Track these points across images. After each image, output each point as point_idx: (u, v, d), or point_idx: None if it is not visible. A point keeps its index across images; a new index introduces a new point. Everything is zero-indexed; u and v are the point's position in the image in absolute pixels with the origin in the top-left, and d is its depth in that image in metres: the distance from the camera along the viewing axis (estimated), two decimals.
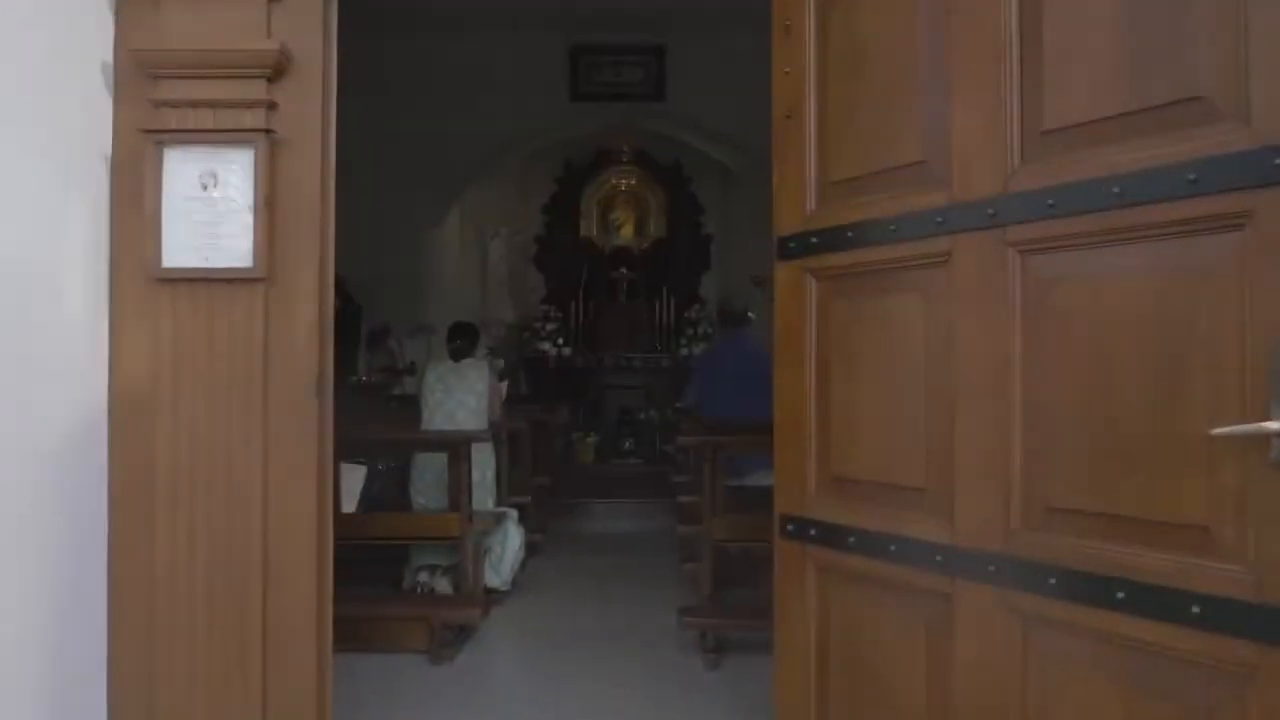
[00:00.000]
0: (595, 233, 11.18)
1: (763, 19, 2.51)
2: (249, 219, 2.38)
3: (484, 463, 4.82)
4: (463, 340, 5.05)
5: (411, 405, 5.21)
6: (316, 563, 2.44)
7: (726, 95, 8.32)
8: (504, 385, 5.55)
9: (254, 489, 2.38)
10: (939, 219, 1.96)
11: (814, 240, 2.32)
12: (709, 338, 10.78)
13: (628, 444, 9.79)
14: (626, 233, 11.25)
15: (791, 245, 2.40)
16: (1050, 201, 1.75)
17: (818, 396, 2.29)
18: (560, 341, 10.71)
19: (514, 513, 4.96)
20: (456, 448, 4.26)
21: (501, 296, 10.80)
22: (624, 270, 10.92)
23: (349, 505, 4.38)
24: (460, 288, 10.54)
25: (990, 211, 1.86)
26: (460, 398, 4.84)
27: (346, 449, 4.48)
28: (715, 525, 4.37)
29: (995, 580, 1.84)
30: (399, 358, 8.26)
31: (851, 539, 2.15)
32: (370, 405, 7.75)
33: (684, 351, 10.62)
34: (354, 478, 4.37)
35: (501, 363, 10.55)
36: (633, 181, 11.17)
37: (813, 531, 2.26)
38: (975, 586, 1.88)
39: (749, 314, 5.96)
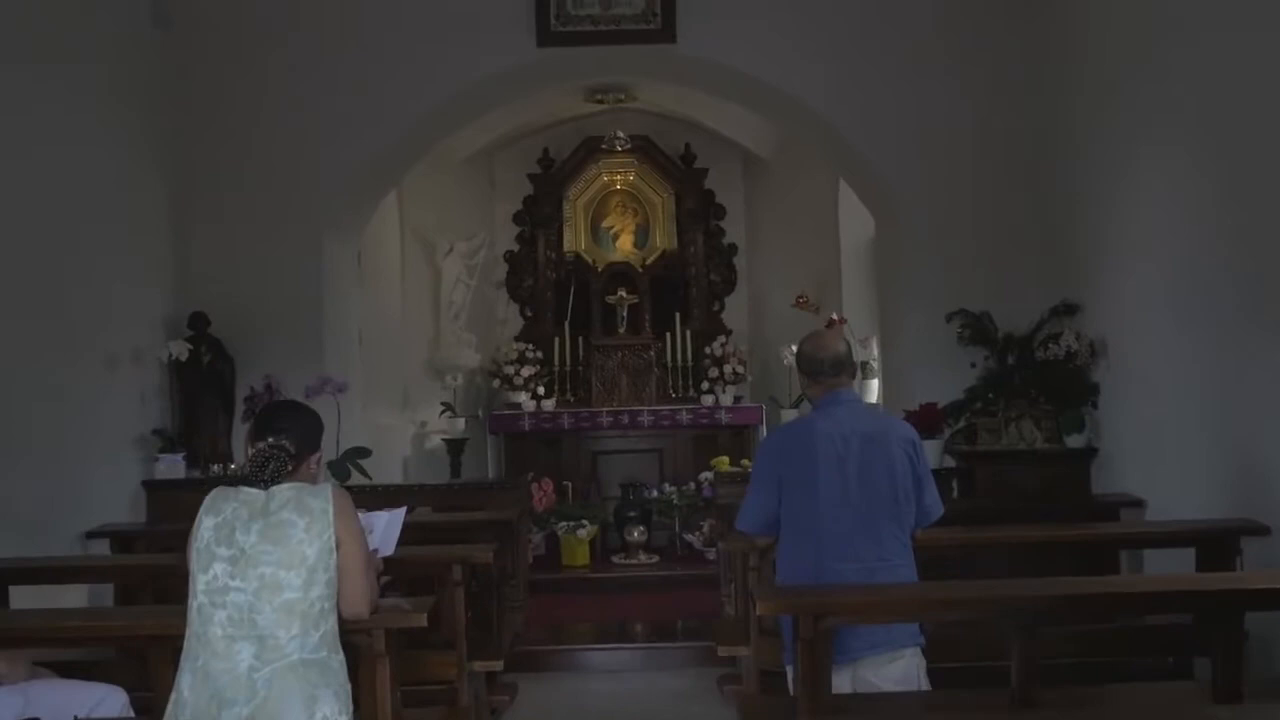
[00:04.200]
0: (584, 246, 8.48)
1: None
2: None
3: None
4: (282, 441, 2.33)
5: None
6: None
7: (765, 32, 5.65)
8: (400, 516, 2.82)
9: None
10: None
11: None
12: (740, 380, 8.04)
13: (636, 534, 7.01)
14: (625, 245, 8.55)
15: None
16: None
17: None
18: (540, 392, 7.96)
19: None
20: None
21: (458, 333, 8.05)
22: (623, 294, 8.20)
23: None
24: (399, 324, 7.82)
25: None
26: (270, 575, 2.13)
27: None
28: None
29: None
30: None
31: None
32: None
33: (707, 399, 7.88)
34: None
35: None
36: (631, 177, 8.48)
37: None
38: None
39: (855, 360, 3.21)
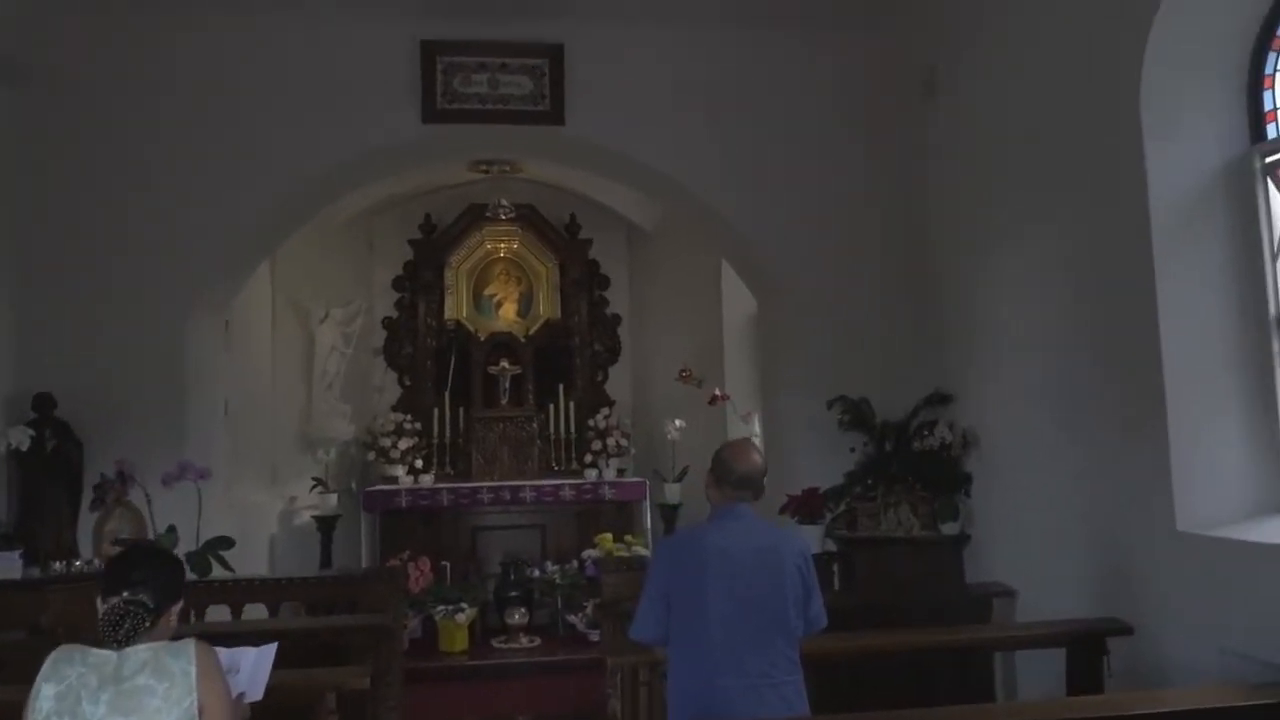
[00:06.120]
0: (466, 314, 8.32)
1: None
2: None
3: None
4: (139, 595, 2.12)
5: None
6: None
7: (653, 118, 5.71)
8: (269, 654, 2.61)
9: None
10: None
11: None
12: (624, 452, 8.00)
13: (517, 616, 6.81)
14: (508, 314, 8.44)
15: None
16: None
17: None
18: (418, 464, 7.71)
19: None
20: None
21: (332, 403, 7.73)
22: (505, 364, 8.07)
23: None
24: (269, 394, 7.44)
25: None
26: None
27: None
28: None
29: None
30: (150, 523, 5.09)
31: None
32: (89, 616, 4.55)
33: (590, 473, 7.79)
34: None
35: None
36: (515, 245, 8.41)
37: None
38: None
39: (763, 484, 3.15)
